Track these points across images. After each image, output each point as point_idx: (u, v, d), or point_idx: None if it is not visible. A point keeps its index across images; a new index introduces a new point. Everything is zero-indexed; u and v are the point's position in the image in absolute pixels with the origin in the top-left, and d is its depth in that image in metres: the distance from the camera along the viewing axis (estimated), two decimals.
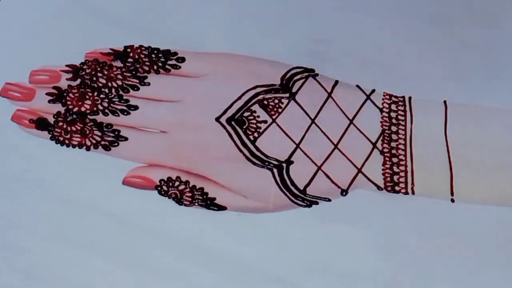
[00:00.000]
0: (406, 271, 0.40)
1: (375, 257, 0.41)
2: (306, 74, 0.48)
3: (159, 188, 0.43)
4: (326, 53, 0.48)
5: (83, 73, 0.47)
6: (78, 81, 0.46)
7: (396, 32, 0.48)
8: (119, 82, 0.47)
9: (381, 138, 0.45)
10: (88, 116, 0.45)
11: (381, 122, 0.46)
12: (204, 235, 0.41)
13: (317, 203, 0.42)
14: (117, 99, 0.46)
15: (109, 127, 0.45)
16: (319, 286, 0.40)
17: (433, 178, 0.43)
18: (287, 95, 0.46)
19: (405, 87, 0.47)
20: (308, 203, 0.42)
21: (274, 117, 0.46)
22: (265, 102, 0.46)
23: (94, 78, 0.47)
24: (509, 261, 0.41)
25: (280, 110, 0.46)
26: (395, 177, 0.43)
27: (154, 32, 0.49)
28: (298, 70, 0.47)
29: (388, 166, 0.44)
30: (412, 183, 0.43)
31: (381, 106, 0.46)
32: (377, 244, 0.41)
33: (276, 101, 0.46)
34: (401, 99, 0.47)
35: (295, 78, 0.47)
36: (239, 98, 0.46)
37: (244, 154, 0.44)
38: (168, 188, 0.43)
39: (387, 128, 0.45)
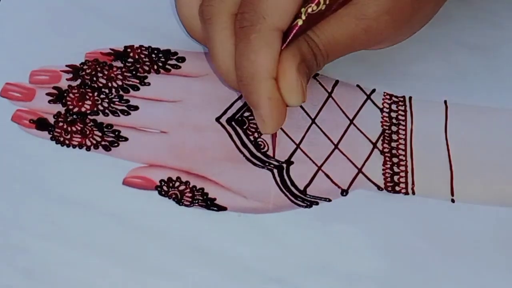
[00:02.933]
0: (406, 271, 0.40)
1: (375, 257, 0.41)
2: None
3: (159, 189, 0.43)
4: None
5: (83, 73, 0.47)
6: (79, 81, 0.46)
7: None
8: (119, 82, 0.47)
9: (381, 138, 0.45)
10: (88, 116, 0.45)
11: (381, 122, 0.46)
12: (204, 235, 0.41)
13: (317, 203, 0.42)
14: (117, 99, 0.46)
15: (109, 127, 0.45)
16: (319, 286, 0.40)
17: (433, 178, 0.43)
18: None
19: (405, 87, 0.47)
20: (308, 203, 0.42)
21: None
22: None
23: (94, 78, 0.47)
24: (510, 262, 0.41)
25: None
26: (396, 177, 0.43)
27: (154, 32, 0.49)
28: None
29: (388, 166, 0.44)
30: (413, 183, 0.43)
31: (381, 106, 0.46)
32: (377, 244, 0.41)
33: None
34: (402, 99, 0.47)
35: None
36: (240, 98, 0.46)
37: (244, 155, 0.44)
38: (168, 188, 0.43)
39: (387, 128, 0.45)
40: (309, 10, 0.40)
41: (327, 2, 0.41)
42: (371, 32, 0.42)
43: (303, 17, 0.40)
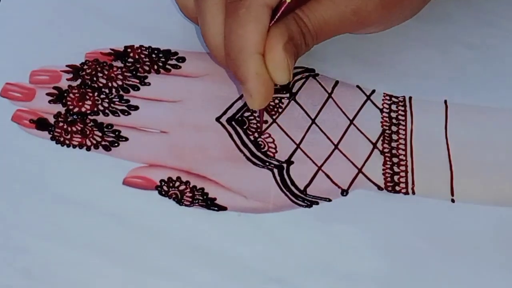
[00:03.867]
0: (406, 271, 0.40)
1: (375, 257, 0.41)
2: (306, 74, 0.48)
3: (159, 188, 0.43)
4: (326, 53, 0.48)
5: (84, 73, 0.47)
6: (79, 81, 0.46)
7: (396, 32, 0.48)
8: (120, 82, 0.47)
9: (381, 138, 0.45)
10: (89, 117, 0.45)
11: (381, 122, 0.46)
12: (204, 235, 0.41)
13: (317, 203, 0.42)
14: (118, 99, 0.46)
15: (110, 127, 0.45)
16: (319, 286, 0.40)
17: (433, 178, 0.43)
18: (287, 95, 0.46)
19: (405, 87, 0.47)
20: (309, 203, 0.42)
21: (274, 117, 0.46)
22: None
23: (95, 78, 0.47)
24: (509, 262, 0.41)
25: (280, 110, 0.46)
26: (396, 177, 0.43)
27: (154, 32, 0.49)
28: (298, 70, 0.47)
29: (388, 166, 0.44)
30: (413, 183, 0.43)
31: (381, 106, 0.46)
32: (378, 244, 0.41)
33: (276, 101, 0.46)
34: (401, 99, 0.47)
35: (295, 78, 0.47)
36: (240, 98, 0.46)
37: (244, 154, 0.44)
38: (168, 188, 0.43)
39: (387, 128, 0.45)
40: None
41: None
42: (360, 14, 0.43)
43: None
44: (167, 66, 0.47)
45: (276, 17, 0.41)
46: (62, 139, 0.44)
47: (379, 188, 0.43)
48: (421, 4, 0.47)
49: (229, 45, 0.41)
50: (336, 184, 0.43)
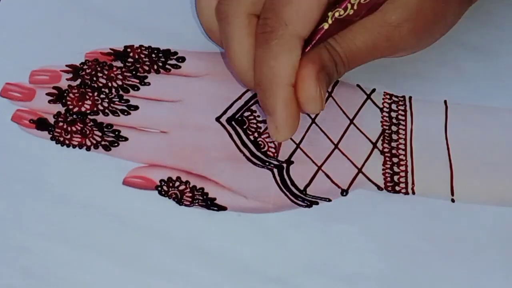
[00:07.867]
0: (406, 271, 0.40)
1: (375, 257, 0.41)
2: None
3: (159, 188, 0.43)
4: None
5: (83, 73, 0.47)
6: (78, 81, 0.47)
7: None
8: (119, 82, 0.47)
9: (381, 138, 0.45)
10: (89, 116, 0.45)
11: (381, 121, 0.46)
12: (204, 235, 0.41)
13: (317, 203, 0.43)
14: (117, 99, 0.46)
15: (109, 127, 0.45)
16: (319, 286, 0.40)
17: (433, 178, 0.43)
18: None
19: (405, 87, 0.47)
20: (308, 203, 0.42)
21: None
22: None
23: (94, 78, 0.47)
24: (509, 262, 0.41)
25: None
26: (396, 177, 0.43)
27: (154, 31, 0.49)
28: None
29: (388, 166, 0.44)
30: (413, 183, 0.43)
31: (381, 106, 0.46)
32: (378, 244, 0.41)
33: None
34: (402, 98, 0.47)
35: None
36: (240, 97, 0.46)
37: (244, 154, 0.44)
38: (168, 188, 0.43)
39: (387, 128, 0.45)
40: (336, 14, 0.40)
41: (355, 7, 0.40)
42: (393, 40, 0.42)
43: (330, 21, 0.40)
44: (167, 66, 0.47)
45: (312, 43, 0.40)
46: (62, 139, 0.44)
47: (379, 188, 0.43)
48: (450, 26, 0.46)
49: (260, 76, 0.40)
50: (336, 184, 0.43)
